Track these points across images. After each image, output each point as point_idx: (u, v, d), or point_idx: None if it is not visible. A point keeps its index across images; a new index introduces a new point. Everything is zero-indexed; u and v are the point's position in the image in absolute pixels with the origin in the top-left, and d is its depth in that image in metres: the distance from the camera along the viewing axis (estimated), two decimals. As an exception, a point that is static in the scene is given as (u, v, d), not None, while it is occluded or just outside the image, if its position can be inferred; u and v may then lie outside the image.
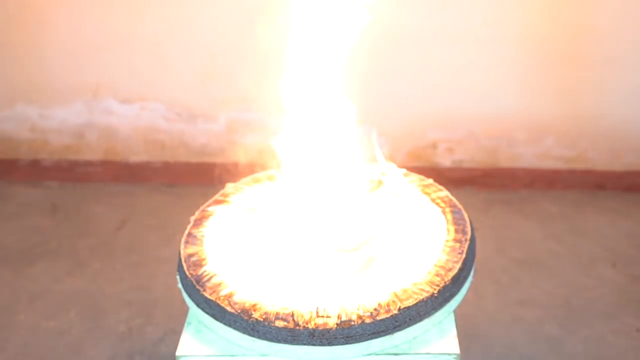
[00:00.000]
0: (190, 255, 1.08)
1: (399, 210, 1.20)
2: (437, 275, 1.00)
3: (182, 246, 1.11)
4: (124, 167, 2.54)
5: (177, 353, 0.97)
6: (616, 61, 2.23)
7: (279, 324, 0.93)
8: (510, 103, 2.34)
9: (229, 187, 1.28)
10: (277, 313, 0.94)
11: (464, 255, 1.04)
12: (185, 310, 1.06)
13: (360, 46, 2.37)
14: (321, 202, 1.11)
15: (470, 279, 1.06)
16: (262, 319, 0.93)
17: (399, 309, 0.94)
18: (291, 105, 1.16)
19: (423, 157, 2.44)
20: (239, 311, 0.95)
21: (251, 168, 1.32)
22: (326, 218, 1.09)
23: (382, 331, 0.94)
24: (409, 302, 0.95)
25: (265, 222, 1.17)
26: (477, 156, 2.44)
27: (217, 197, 1.25)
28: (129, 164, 2.54)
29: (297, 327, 0.92)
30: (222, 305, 0.96)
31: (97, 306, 1.91)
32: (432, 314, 0.97)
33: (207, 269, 1.05)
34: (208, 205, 1.22)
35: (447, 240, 1.09)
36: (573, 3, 2.16)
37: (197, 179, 2.49)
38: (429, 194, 1.23)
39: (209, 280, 1.02)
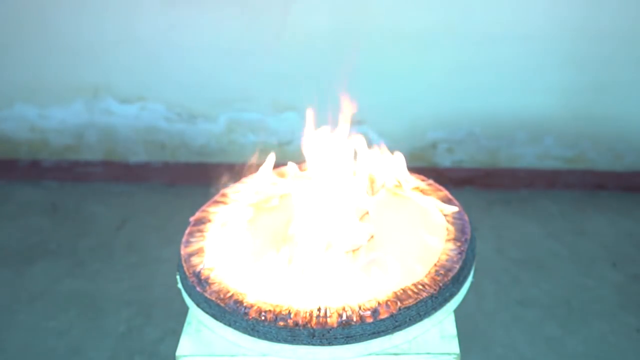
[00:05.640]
0: (190, 255, 1.08)
1: (399, 210, 1.20)
2: (437, 275, 1.00)
3: (182, 246, 1.11)
4: (124, 167, 2.54)
5: (177, 353, 0.97)
6: (616, 61, 2.23)
7: (279, 324, 0.93)
8: (510, 103, 2.34)
9: (229, 187, 1.28)
10: (277, 313, 0.94)
11: (464, 255, 1.04)
12: (185, 310, 1.06)
13: (360, 46, 2.38)
14: (323, 202, 1.11)
15: (470, 279, 1.06)
16: (262, 319, 0.93)
17: (399, 309, 0.94)
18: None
19: (423, 157, 2.44)
20: (239, 311, 0.95)
21: (251, 168, 1.32)
22: (327, 218, 1.09)
23: (382, 331, 0.94)
24: (409, 302, 0.95)
25: (266, 222, 1.17)
26: (477, 156, 2.44)
27: (216, 197, 1.25)
28: (129, 164, 2.54)
29: (297, 327, 0.92)
30: (222, 305, 0.96)
31: (97, 306, 1.91)
32: (432, 314, 0.97)
33: (207, 268, 1.04)
34: (208, 206, 1.22)
35: (447, 240, 1.09)
36: (573, 3, 2.16)
37: (197, 179, 2.49)
38: (429, 194, 1.23)
39: (209, 280, 1.02)
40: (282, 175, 1.30)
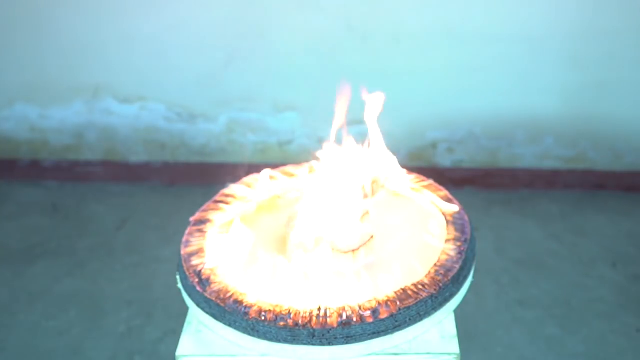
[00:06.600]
0: (190, 255, 1.08)
1: (399, 210, 1.20)
2: (437, 275, 1.00)
3: (182, 246, 1.11)
4: (124, 167, 2.54)
5: (177, 353, 0.97)
6: (616, 61, 2.23)
7: (279, 324, 0.93)
8: (510, 103, 2.34)
9: (229, 187, 1.28)
10: (277, 313, 0.94)
11: (464, 255, 1.04)
12: (185, 310, 1.06)
13: (361, 46, 2.38)
14: (322, 202, 1.11)
15: (470, 279, 1.06)
16: (262, 319, 0.93)
17: (399, 309, 0.94)
18: None
19: (423, 157, 2.44)
20: (239, 311, 0.95)
21: (251, 168, 1.32)
22: (326, 219, 1.09)
23: (382, 331, 0.94)
24: (409, 302, 0.95)
25: (266, 222, 1.17)
26: (477, 156, 2.44)
27: (217, 197, 1.25)
28: (129, 164, 2.54)
29: (297, 327, 0.92)
30: (222, 305, 0.96)
31: (97, 306, 1.91)
32: (432, 314, 0.97)
33: (207, 269, 1.04)
34: (208, 206, 1.22)
35: (447, 240, 1.09)
36: (573, 3, 2.16)
37: (197, 179, 2.49)
38: (428, 194, 1.23)
39: (209, 280, 1.02)
40: (283, 175, 1.30)
